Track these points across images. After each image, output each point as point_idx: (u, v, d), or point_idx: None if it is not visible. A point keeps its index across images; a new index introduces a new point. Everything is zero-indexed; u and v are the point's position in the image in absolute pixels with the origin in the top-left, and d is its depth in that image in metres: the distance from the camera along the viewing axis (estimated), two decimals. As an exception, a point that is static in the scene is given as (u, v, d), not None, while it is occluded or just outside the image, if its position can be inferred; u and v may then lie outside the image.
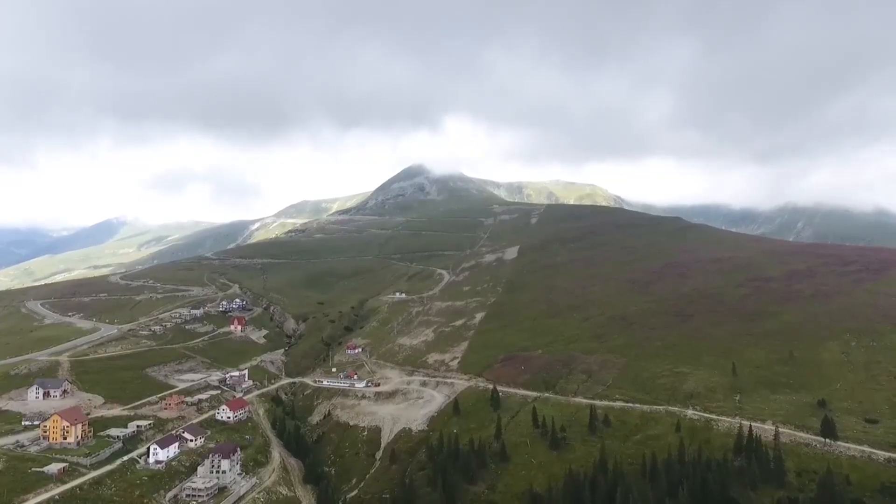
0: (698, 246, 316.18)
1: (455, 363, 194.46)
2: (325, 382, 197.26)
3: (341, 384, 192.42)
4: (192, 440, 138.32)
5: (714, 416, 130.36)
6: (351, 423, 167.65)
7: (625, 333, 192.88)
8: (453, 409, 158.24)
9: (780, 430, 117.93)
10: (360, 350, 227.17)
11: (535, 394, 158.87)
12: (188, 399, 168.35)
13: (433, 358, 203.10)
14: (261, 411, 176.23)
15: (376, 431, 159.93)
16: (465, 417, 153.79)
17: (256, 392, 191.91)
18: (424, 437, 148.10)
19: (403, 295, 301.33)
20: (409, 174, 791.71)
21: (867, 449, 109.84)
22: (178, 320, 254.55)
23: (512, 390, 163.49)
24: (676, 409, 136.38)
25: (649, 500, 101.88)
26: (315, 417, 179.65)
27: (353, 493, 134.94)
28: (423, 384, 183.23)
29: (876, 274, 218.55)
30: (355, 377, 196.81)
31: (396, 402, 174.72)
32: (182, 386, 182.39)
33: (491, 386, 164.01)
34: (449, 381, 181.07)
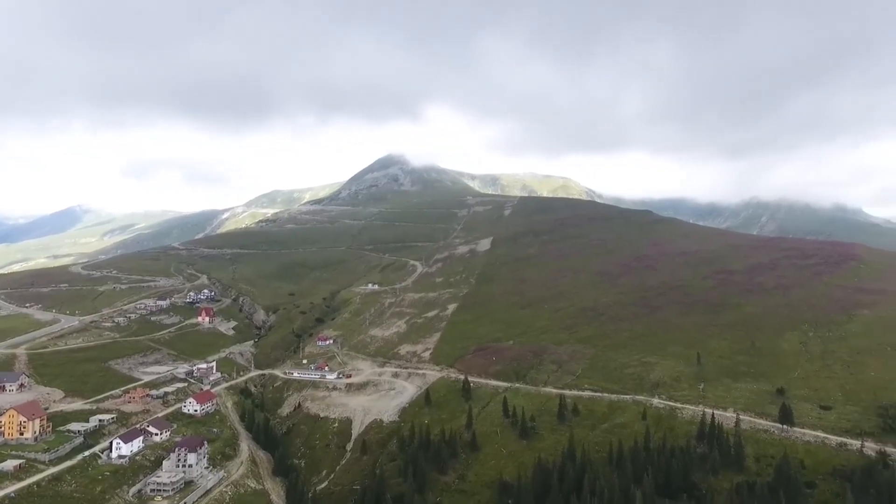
0: (667, 239, 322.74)
1: (427, 354, 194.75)
2: (295, 374, 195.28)
3: (312, 376, 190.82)
4: (157, 434, 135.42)
5: (679, 405, 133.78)
6: (321, 415, 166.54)
7: (594, 324, 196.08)
8: (425, 399, 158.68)
9: (741, 417, 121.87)
10: (331, 341, 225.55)
11: (505, 384, 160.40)
12: (153, 392, 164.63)
13: (405, 349, 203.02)
14: (229, 404, 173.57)
15: (347, 423, 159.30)
16: (437, 408, 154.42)
17: (225, 384, 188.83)
18: (396, 429, 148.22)
19: (376, 286, 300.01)
20: (383, 164, 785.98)
21: (821, 434, 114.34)
22: (144, 311, 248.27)
23: (483, 381, 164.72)
24: (643, 398, 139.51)
25: (615, 487, 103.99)
26: (285, 409, 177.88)
27: (323, 485, 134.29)
28: (395, 375, 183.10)
29: (833, 267, 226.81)
30: (326, 369, 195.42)
31: (368, 394, 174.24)
32: (147, 379, 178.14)
33: (462, 377, 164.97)
34: (421, 372, 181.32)
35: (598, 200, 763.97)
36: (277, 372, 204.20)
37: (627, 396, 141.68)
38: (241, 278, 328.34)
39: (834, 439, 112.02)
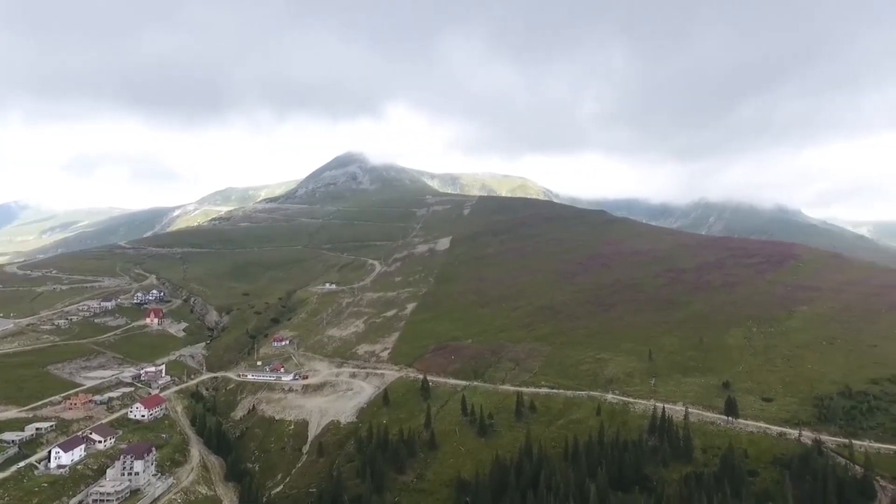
0: (621, 239, 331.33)
1: (386, 354, 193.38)
2: (249, 376, 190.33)
3: (267, 377, 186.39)
4: (100, 441, 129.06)
5: (631, 400, 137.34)
6: (277, 418, 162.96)
7: (551, 322, 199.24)
8: (383, 399, 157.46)
9: (690, 410, 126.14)
10: (287, 342, 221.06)
11: (464, 382, 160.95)
12: (97, 398, 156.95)
13: (363, 349, 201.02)
14: (179, 408, 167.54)
15: (303, 425, 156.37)
16: (395, 408, 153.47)
17: (175, 388, 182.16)
18: (353, 429, 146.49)
19: (334, 286, 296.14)
20: (341, 162, 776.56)
21: (763, 425, 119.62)
22: (87, 313, 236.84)
23: (442, 380, 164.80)
24: (597, 393, 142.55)
25: (570, 482, 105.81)
26: (238, 413, 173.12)
27: (277, 489, 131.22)
28: (353, 376, 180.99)
29: (775, 265, 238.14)
30: (282, 370, 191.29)
31: (325, 395, 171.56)
32: (90, 384, 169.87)
33: (421, 376, 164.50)
34: (379, 371, 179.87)
35: (555, 200, 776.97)
36: (231, 374, 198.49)
37: (583, 392, 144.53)
38: (193, 278, 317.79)
39: (774, 429, 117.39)
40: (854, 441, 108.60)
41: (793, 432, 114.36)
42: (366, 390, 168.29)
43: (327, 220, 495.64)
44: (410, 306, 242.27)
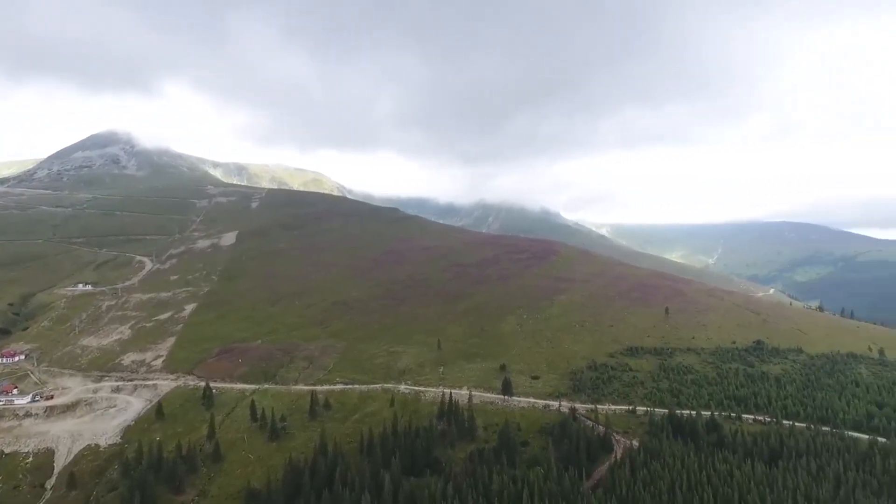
0: (412, 236, 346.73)
1: (159, 362, 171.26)
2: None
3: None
4: None
5: (422, 388, 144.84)
6: (8, 451, 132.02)
7: (345, 318, 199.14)
8: (156, 413, 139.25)
9: (473, 393, 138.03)
10: (23, 356, 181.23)
11: (253, 386, 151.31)
12: None
13: (130, 358, 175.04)
14: None
15: (48, 455, 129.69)
16: (171, 421, 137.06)
17: None
18: (118, 452, 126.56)
19: (89, 286, 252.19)
20: (100, 142, 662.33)
21: (532, 400, 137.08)
22: None
23: (228, 385, 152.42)
24: (391, 385, 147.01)
25: (365, 474, 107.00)
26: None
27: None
28: (117, 390, 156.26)
29: (541, 260, 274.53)
30: (15, 391, 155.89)
31: (78, 416, 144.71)
32: None
33: (203, 383, 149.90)
34: (150, 383, 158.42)
35: (349, 196, 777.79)
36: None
37: (377, 385, 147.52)
38: None
39: (541, 403, 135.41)
40: (598, 406, 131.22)
41: (554, 404, 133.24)
42: (133, 405, 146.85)
43: (80, 208, 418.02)
44: (189, 307, 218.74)
